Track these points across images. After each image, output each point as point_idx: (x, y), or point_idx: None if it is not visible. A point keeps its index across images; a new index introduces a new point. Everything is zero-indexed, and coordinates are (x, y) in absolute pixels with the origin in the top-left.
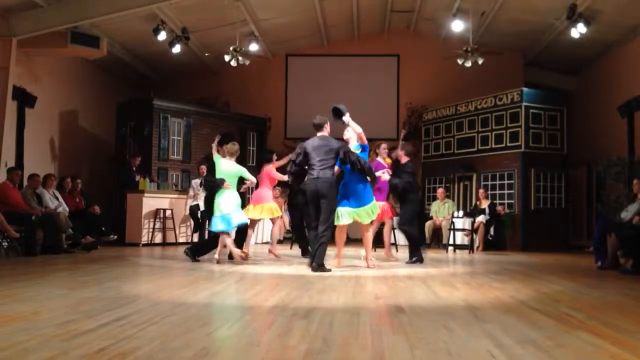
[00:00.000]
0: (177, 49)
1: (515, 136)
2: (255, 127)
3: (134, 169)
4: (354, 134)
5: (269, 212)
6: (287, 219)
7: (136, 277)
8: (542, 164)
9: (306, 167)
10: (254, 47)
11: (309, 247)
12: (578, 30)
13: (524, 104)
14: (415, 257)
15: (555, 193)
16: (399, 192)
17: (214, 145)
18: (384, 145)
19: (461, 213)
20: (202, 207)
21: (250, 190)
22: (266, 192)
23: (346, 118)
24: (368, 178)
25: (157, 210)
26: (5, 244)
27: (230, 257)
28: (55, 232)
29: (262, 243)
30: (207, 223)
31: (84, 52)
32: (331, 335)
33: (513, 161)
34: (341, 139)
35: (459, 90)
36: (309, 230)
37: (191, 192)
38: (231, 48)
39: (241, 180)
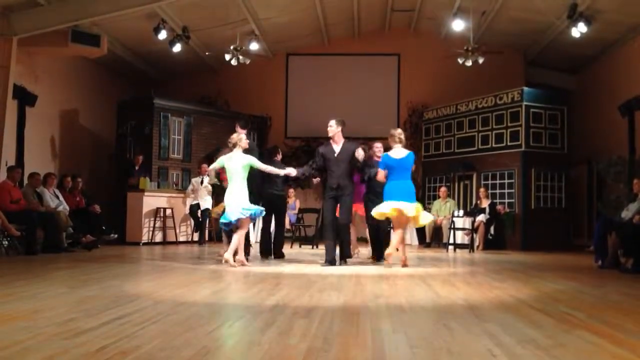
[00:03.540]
0: (177, 47)
1: (516, 135)
2: (256, 126)
3: (137, 168)
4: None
5: None
6: (287, 218)
7: (137, 276)
8: (543, 164)
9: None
10: (254, 46)
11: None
12: (579, 30)
13: (525, 103)
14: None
15: (556, 192)
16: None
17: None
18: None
19: (461, 212)
20: (202, 206)
21: None
22: None
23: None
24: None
25: (158, 209)
26: (5, 242)
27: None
28: (56, 231)
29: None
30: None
31: (84, 50)
32: (332, 334)
33: (513, 160)
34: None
35: (460, 90)
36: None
37: (189, 189)
38: (232, 47)
39: None
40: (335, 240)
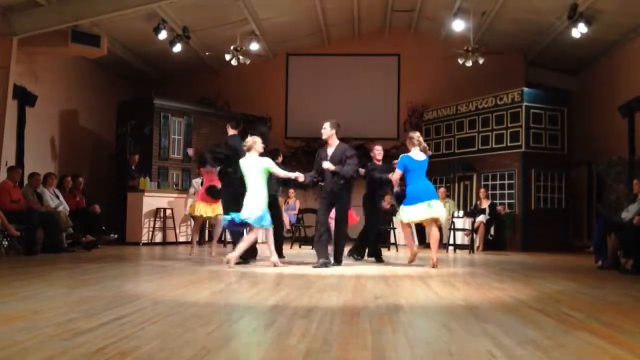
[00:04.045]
0: (177, 48)
1: (516, 136)
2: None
3: (134, 167)
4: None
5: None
6: (287, 219)
7: (136, 276)
8: (543, 164)
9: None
10: (254, 46)
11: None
12: (579, 30)
13: (525, 103)
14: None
15: (556, 193)
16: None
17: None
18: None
19: (461, 213)
20: None
21: None
22: None
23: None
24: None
25: (158, 210)
26: (5, 242)
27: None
28: (56, 231)
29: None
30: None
31: (84, 51)
32: (331, 335)
33: (513, 161)
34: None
35: (460, 90)
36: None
37: (192, 191)
38: (232, 47)
39: None
40: (328, 242)
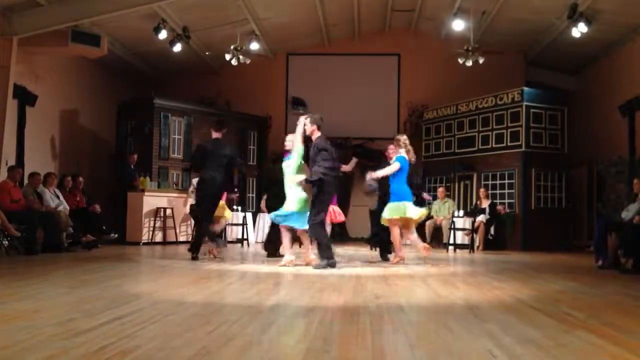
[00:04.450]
0: (177, 47)
1: (516, 136)
2: (256, 126)
3: (132, 167)
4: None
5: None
6: None
7: (137, 276)
8: (543, 164)
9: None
10: (254, 46)
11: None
12: (579, 30)
13: (525, 103)
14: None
15: (556, 193)
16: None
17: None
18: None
19: (461, 212)
20: None
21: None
22: None
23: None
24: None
25: (158, 209)
26: (5, 242)
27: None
28: (56, 231)
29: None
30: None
31: (84, 50)
32: (331, 335)
33: (514, 161)
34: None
35: (460, 90)
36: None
37: (190, 189)
38: (232, 47)
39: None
40: (330, 242)
